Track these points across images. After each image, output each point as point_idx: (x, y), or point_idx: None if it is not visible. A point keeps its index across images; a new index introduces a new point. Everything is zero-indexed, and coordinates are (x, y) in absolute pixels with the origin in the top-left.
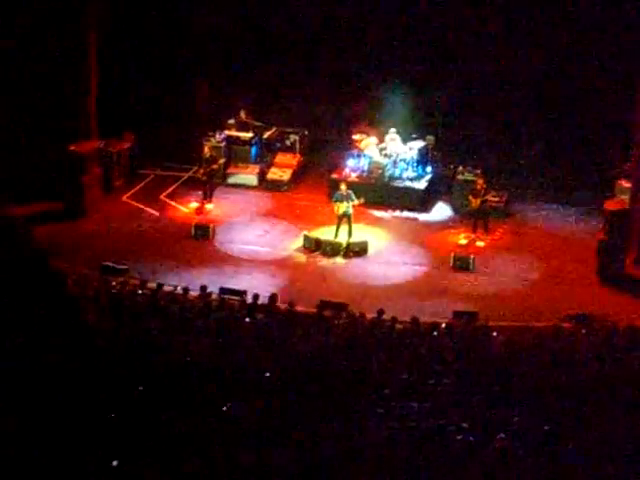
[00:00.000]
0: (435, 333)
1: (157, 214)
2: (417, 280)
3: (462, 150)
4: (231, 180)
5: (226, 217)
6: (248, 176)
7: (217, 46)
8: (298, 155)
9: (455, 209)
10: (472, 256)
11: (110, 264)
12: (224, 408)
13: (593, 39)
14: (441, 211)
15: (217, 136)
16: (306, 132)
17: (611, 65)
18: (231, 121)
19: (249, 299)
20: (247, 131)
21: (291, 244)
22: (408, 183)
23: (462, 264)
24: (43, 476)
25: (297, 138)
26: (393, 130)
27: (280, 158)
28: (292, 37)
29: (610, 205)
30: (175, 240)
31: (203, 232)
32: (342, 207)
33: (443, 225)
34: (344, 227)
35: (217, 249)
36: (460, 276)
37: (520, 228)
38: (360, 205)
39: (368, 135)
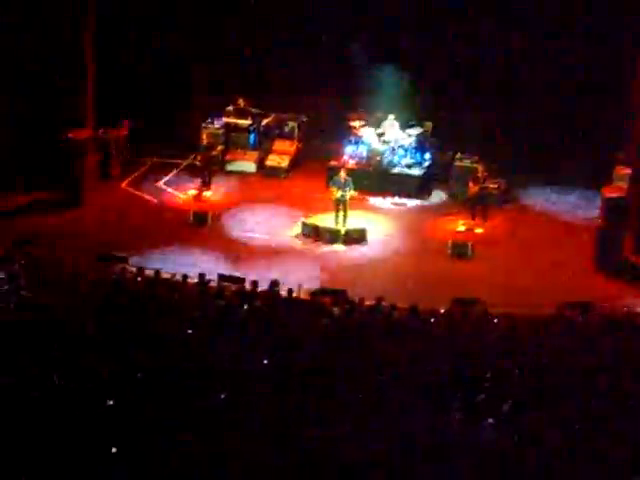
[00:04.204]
0: (433, 320)
1: (155, 201)
2: (415, 267)
3: (461, 137)
4: (229, 167)
5: (224, 204)
6: (246, 163)
7: (214, 33)
8: (296, 142)
9: (454, 196)
10: (470, 243)
11: (108, 252)
12: (221, 396)
13: (590, 24)
14: (439, 198)
15: (215, 123)
16: (304, 119)
17: (609, 49)
18: (229, 108)
19: (248, 286)
20: (245, 118)
21: (289, 231)
22: (406, 170)
23: (460, 251)
24: (42, 462)
25: (295, 125)
26: (392, 116)
27: (278, 145)
28: (291, 23)
29: (608, 192)
30: (173, 227)
31: (201, 219)
32: (338, 193)
33: (441, 212)
34: (341, 213)
35: (215, 236)
36: (458, 263)
37: (519, 215)
38: (358, 194)
39: (365, 121)
